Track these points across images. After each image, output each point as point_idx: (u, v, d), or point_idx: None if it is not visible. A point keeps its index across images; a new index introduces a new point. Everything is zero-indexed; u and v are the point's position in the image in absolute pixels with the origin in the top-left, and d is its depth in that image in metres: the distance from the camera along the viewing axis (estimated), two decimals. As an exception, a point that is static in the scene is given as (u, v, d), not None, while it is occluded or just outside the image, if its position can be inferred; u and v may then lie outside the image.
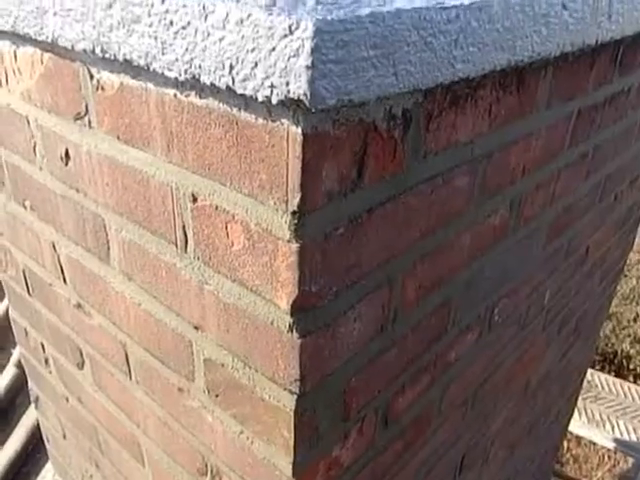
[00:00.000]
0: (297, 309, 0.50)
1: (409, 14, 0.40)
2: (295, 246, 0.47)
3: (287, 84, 0.37)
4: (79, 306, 0.88)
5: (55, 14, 0.54)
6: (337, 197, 0.49)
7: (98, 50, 0.51)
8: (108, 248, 0.73)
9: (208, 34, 0.40)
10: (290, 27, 0.35)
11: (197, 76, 0.43)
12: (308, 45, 0.35)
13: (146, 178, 0.60)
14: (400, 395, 0.75)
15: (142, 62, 0.47)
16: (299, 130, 0.41)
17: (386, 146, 0.52)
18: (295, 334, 0.52)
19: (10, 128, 0.82)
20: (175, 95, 0.51)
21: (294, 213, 0.45)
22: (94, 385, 0.97)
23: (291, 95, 0.37)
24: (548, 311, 1.22)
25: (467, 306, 0.83)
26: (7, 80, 0.77)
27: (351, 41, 0.36)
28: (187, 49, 0.42)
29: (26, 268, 1.00)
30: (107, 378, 0.91)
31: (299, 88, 0.36)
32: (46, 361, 1.14)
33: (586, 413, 4.79)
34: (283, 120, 0.42)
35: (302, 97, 0.37)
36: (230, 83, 0.40)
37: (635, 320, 7.27)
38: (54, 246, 0.86)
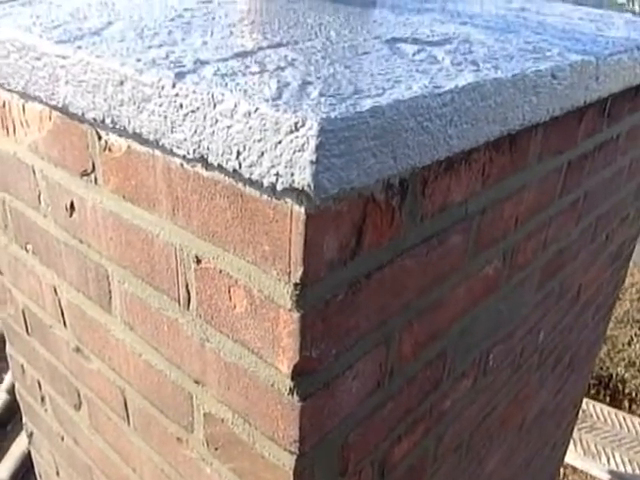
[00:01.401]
0: (298, 373, 0.52)
1: (406, 104, 0.43)
2: (296, 315, 0.48)
3: (292, 175, 0.39)
4: (78, 350, 0.89)
5: (67, 82, 0.57)
6: (337, 266, 0.50)
7: (108, 121, 0.53)
8: (110, 298, 0.74)
9: (216, 120, 0.42)
10: (296, 124, 0.37)
11: (205, 156, 0.45)
12: (313, 142, 0.37)
13: (150, 237, 0.62)
14: (396, 446, 0.76)
15: (151, 137, 0.49)
16: (302, 209, 0.43)
17: (384, 215, 0.54)
18: (295, 397, 0.53)
19: (15, 176, 0.83)
20: (182, 165, 0.53)
21: (296, 285, 0.47)
22: (91, 427, 0.97)
23: (295, 185, 0.39)
24: (542, 351, 1.23)
25: (462, 354, 0.84)
26: (15, 130, 0.79)
27: (353, 136, 0.38)
28: (196, 131, 0.44)
29: (26, 308, 1.01)
30: (104, 421, 0.92)
31: (303, 179, 0.38)
32: (42, 399, 1.14)
33: (582, 444, 4.77)
34: (287, 199, 0.44)
35: (306, 188, 0.38)
36: (237, 167, 0.42)
37: (630, 344, 7.28)
38: (55, 290, 0.87)
